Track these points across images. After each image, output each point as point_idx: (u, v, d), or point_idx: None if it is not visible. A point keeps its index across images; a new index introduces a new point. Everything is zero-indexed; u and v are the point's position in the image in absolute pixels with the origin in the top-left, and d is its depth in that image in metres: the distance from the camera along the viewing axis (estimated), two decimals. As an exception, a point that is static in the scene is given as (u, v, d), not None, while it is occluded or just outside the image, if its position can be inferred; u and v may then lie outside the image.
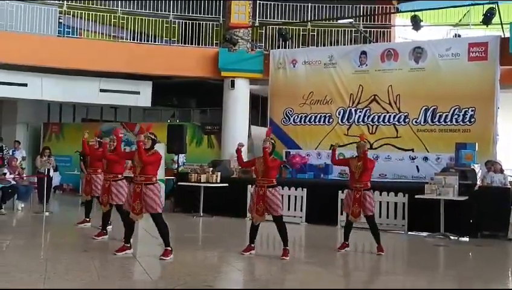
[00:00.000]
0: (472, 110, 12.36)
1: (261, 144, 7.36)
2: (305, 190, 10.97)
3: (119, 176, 8.24)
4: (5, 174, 11.84)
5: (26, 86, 14.71)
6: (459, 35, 14.70)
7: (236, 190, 11.46)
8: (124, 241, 7.06)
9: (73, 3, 15.55)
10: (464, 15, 16.66)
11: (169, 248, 6.83)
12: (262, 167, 7.25)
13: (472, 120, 12.36)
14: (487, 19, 12.42)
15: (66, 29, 15.35)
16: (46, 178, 11.88)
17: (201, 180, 11.63)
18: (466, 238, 9.52)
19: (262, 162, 7.26)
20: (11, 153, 14.64)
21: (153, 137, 6.97)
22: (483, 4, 12.98)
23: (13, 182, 11.76)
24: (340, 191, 10.47)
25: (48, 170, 12.37)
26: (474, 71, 12.46)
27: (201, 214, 11.54)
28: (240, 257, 7.19)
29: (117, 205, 8.12)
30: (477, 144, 11.33)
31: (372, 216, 7.83)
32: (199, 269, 6.57)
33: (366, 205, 7.70)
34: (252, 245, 7.34)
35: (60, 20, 15.41)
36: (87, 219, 9.52)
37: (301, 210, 10.93)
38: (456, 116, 12.52)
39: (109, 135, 9.06)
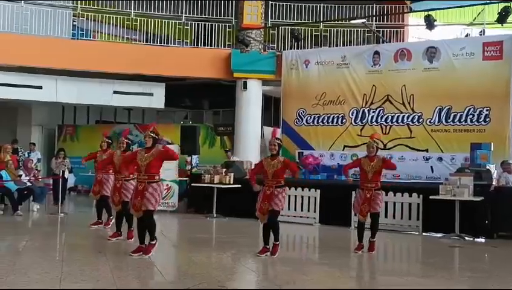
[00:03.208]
0: (487, 110, 12.23)
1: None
2: (318, 190, 10.93)
3: (130, 176, 8.29)
4: (20, 176, 11.97)
5: (41, 88, 14.84)
6: (467, 35, 14.59)
7: (249, 191, 11.41)
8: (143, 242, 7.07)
9: (87, 6, 15.67)
10: (478, 14, 16.48)
11: (153, 242, 6.98)
12: (272, 169, 7.28)
13: (487, 120, 12.22)
14: (502, 18, 12.28)
15: (79, 32, 15.46)
16: (61, 179, 11.99)
17: (215, 181, 11.64)
18: (482, 239, 9.43)
19: (271, 164, 7.32)
20: (26, 155, 14.78)
21: (153, 135, 7.03)
22: (497, 3, 12.84)
23: (29, 184, 11.89)
24: (353, 192, 10.44)
25: (63, 171, 12.45)
26: (489, 70, 12.32)
27: (215, 215, 11.56)
28: (253, 257, 7.18)
29: (124, 202, 8.19)
30: (492, 144, 11.21)
31: (378, 214, 7.90)
32: (213, 269, 6.59)
33: (375, 202, 7.76)
34: (267, 246, 7.34)
35: (74, 23, 15.54)
36: (111, 217, 9.47)
37: (314, 211, 10.90)
38: (471, 116, 12.39)
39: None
